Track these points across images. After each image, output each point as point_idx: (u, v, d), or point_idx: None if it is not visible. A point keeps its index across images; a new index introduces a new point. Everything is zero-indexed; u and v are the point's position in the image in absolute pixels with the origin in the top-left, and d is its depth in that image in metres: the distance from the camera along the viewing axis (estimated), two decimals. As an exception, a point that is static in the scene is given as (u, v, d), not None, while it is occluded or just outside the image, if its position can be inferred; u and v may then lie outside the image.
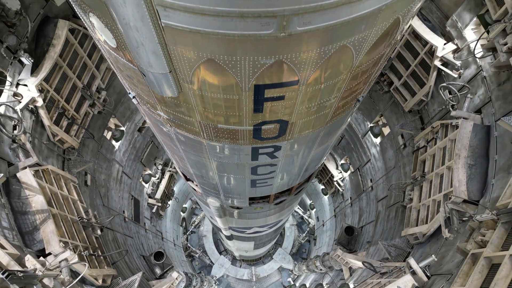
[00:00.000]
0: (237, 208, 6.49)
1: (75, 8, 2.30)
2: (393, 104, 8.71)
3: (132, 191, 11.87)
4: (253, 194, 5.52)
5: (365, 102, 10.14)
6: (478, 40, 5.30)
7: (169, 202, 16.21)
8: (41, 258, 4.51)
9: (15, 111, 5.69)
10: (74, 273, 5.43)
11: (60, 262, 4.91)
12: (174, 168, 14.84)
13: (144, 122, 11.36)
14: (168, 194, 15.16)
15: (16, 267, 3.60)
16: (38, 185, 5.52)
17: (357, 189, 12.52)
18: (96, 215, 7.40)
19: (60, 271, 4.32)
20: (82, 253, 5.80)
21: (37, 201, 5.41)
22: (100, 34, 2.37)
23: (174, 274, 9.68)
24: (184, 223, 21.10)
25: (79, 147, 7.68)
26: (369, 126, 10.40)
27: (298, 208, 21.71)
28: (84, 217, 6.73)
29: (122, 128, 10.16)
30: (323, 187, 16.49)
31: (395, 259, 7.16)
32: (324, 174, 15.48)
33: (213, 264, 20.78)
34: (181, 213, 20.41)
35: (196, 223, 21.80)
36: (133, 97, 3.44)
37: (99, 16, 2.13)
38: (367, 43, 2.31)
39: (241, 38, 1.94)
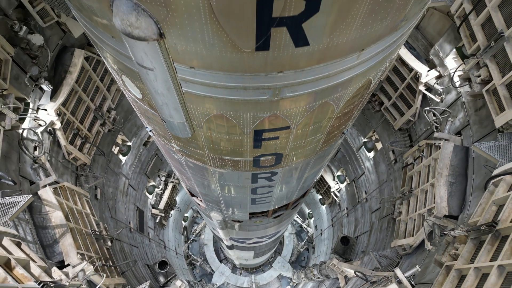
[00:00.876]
0: (238, 221, 7.01)
1: (108, 67, 2.86)
2: (384, 122, 9.28)
3: (137, 203, 12.38)
4: (253, 210, 6.05)
5: (359, 118, 10.70)
6: (455, 71, 5.88)
7: (172, 212, 16.70)
8: (64, 269, 5.03)
9: (36, 134, 6.24)
10: (89, 282, 5.94)
11: (78, 272, 5.42)
12: (177, 179, 15.36)
13: (149, 137, 11.91)
14: (170, 204, 15.66)
15: (46, 278, 4.12)
16: (57, 201, 6.06)
17: (352, 200, 13.04)
18: (106, 227, 7.91)
19: (82, 282, 4.83)
20: (96, 263, 6.31)
21: (56, 217, 5.94)
22: (129, 87, 2.93)
23: (178, 283, 10.14)
24: (186, 231, 21.54)
25: (90, 163, 8.22)
26: (362, 141, 10.96)
27: (297, 217, 22.17)
28: (96, 229, 7.25)
29: (129, 143, 10.72)
30: (320, 197, 17.00)
31: (385, 268, 7.66)
32: (321, 185, 15.99)
33: (214, 272, 21.17)
34: (183, 222, 20.86)
35: (197, 231, 22.23)
36: (150, 130, 3.99)
37: (131, 79, 2.69)
38: (345, 98, 2.87)
39: (244, 101, 2.50)
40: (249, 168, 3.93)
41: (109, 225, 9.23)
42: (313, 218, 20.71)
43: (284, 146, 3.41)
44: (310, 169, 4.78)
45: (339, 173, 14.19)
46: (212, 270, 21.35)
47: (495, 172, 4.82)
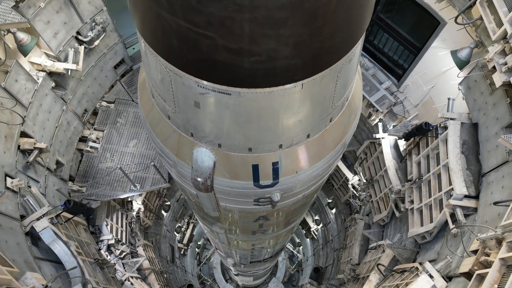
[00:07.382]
0: (243, 264, 12.00)
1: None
2: (336, 195, 14.36)
3: (170, 241, 17.37)
4: (252, 260, 11.06)
5: (325, 187, 15.78)
6: (359, 186, 10.99)
7: (191, 244, 21.64)
8: (158, 293, 10.00)
9: (132, 217, 11.34)
10: (162, 300, 10.91)
11: (159, 294, 10.43)
12: (196, 219, 20.35)
13: (181, 194, 16.99)
14: (190, 239, 20.62)
15: (158, 298, 9.15)
16: (145, 254, 11.12)
17: (325, 239, 17.99)
18: (162, 265, 12.93)
19: (170, 299, 9.80)
20: (165, 289, 11.31)
21: (145, 263, 10.98)
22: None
23: (202, 299, 15.02)
24: (198, 256, 26.38)
25: (152, 224, 13.29)
26: (327, 201, 16.02)
27: (289, 245, 27.01)
28: (159, 267, 12.27)
29: (168, 203, 15.80)
30: (304, 232, 21.95)
31: (333, 292, 12.59)
32: (305, 224, 20.98)
33: (221, 290, 25.87)
34: (196, 249, 25.74)
35: (207, 256, 27.06)
36: (206, 232, 9.03)
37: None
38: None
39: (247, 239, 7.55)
40: (250, 250, 8.98)
41: (159, 262, 14.22)
42: (301, 247, 25.57)
43: (264, 246, 8.45)
44: (278, 246, 9.84)
45: (316, 217, 19.18)
46: (219, 288, 26.05)
47: (370, 246, 9.86)
